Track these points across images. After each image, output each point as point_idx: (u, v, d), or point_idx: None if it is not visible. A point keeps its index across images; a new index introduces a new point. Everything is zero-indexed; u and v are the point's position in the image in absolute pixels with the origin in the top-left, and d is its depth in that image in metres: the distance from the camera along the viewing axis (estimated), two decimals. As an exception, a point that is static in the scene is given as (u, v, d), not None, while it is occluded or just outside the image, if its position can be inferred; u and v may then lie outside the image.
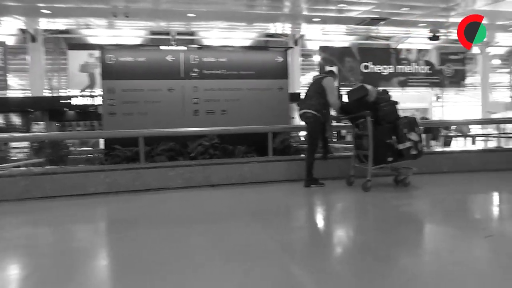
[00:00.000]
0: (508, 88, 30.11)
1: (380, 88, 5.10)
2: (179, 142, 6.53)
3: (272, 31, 21.44)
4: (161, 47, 7.45)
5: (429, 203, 4.49)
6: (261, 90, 7.09)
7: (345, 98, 5.35)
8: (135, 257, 2.78)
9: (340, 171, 5.72)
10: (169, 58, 6.85)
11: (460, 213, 4.01)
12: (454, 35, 15.51)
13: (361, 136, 4.98)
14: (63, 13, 14.12)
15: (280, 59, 7.26)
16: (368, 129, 4.70)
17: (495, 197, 4.89)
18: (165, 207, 4.52)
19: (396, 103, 4.95)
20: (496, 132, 18.95)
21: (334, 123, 5.87)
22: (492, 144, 16.02)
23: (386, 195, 4.73)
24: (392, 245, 2.92)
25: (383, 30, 19.19)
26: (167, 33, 20.26)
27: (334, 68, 22.73)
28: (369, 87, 4.86)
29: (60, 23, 16.85)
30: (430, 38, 12.52)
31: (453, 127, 20.43)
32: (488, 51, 25.20)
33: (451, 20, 10.94)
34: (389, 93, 5.02)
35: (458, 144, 20.37)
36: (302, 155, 6.34)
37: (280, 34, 22.80)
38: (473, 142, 20.53)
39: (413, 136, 4.70)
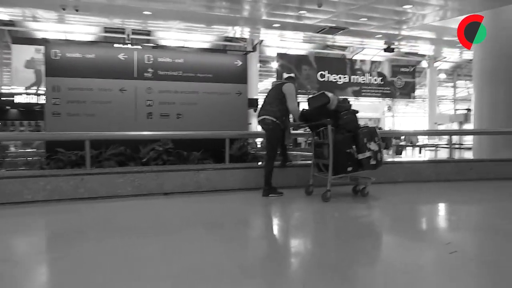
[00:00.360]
0: (452, 101, 31.95)
1: (341, 97, 5.02)
2: (130, 147, 6.12)
3: (231, 34, 21.22)
4: (114, 45, 7.01)
5: (389, 214, 4.45)
6: (219, 94, 6.84)
7: (304, 105, 5.24)
8: (69, 277, 2.44)
9: (298, 180, 5.60)
10: (121, 56, 6.44)
11: (421, 225, 3.99)
12: (406, 48, 16.05)
13: (321, 145, 4.87)
14: (5, 2, 13.08)
15: (239, 62, 7.06)
16: (329, 138, 4.60)
17: (451, 207, 4.96)
18: (112, 218, 4.15)
19: (356, 112, 4.90)
20: (442, 142, 19.86)
21: (293, 131, 5.73)
22: (440, 154, 16.76)
23: (346, 206, 4.64)
24: (355, 260, 2.79)
25: (340, 39, 19.59)
26: (122, 31, 19.47)
27: (292, 75, 22.98)
28: (330, 94, 4.77)
29: (3, 13, 15.64)
30: (385, 50, 12.90)
31: (402, 137, 21.27)
32: (436, 66, 26.54)
33: (403, 33, 11.22)
34: (350, 102, 4.95)
35: (408, 153, 21.21)
36: (260, 162, 6.17)
37: (238, 38, 22.68)
38: (420, 151, 21.47)
39: (373, 146, 4.66)
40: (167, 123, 6.50)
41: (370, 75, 24.52)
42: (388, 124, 27.97)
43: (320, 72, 23.41)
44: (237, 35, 21.71)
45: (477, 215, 4.50)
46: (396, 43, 12.70)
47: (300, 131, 5.87)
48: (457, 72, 29.37)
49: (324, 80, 23.48)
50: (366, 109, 23.71)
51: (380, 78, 24.73)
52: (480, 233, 3.63)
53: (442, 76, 29.05)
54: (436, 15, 9.08)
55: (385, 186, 5.71)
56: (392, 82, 24.90)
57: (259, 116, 5.11)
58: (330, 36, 10.24)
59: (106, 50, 6.58)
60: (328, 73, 23.57)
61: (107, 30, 19.38)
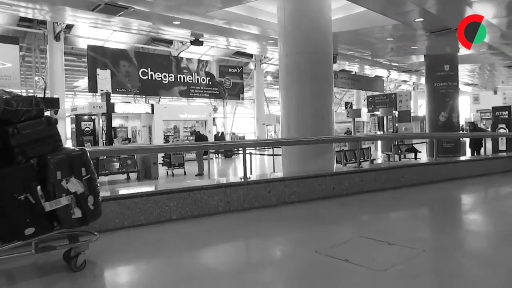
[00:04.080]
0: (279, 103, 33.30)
1: (12, 90, 2.70)
2: None
3: (29, 14, 16.25)
4: None
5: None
6: None
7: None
8: None
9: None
10: None
11: None
12: (221, 43, 14.55)
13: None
14: None
15: None
16: (-26, 175, 2.28)
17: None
18: None
19: (52, 122, 2.70)
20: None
21: None
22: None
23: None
24: None
25: (167, 32, 16.83)
26: None
27: (107, 72, 19.69)
28: (-16, 90, 2.45)
29: None
30: (192, 42, 11.25)
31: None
32: (262, 68, 26.82)
33: (206, 21, 8.81)
34: (40, 103, 2.71)
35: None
36: None
37: (40, 21, 18.24)
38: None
39: (74, 186, 2.52)
40: None
41: (198, 75, 23.12)
42: (219, 126, 27.13)
43: (142, 70, 20.83)
44: (37, 16, 17.15)
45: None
46: (208, 36, 11.04)
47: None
48: (282, 75, 30.46)
49: (147, 79, 20.99)
50: (193, 111, 22.15)
51: (208, 78, 23.55)
52: None
53: (269, 78, 29.77)
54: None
55: (135, 232, 3.74)
56: (221, 82, 24.03)
57: None
58: (115, 17, 7.83)
59: None
60: (151, 71, 21.18)
61: None
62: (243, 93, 25.84)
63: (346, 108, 23.19)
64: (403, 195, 5.58)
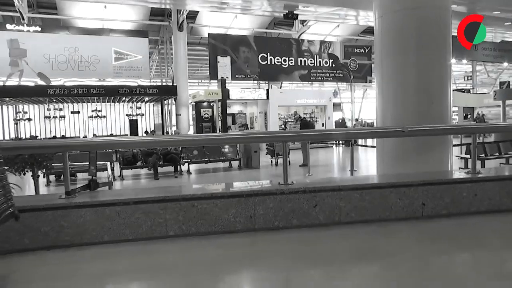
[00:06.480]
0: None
1: None
2: None
3: (151, 4, 17.01)
4: None
5: None
6: None
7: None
8: None
9: None
10: None
11: None
12: (350, 19, 12.82)
13: None
14: None
15: None
16: None
17: None
18: None
19: None
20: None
21: None
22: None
23: None
24: None
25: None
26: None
27: (227, 59, 19.76)
28: None
29: None
30: (285, 16, 9.93)
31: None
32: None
33: None
34: None
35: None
36: None
37: (169, 14, 19.33)
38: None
39: None
40: None
41: (320, 57, 21.58)
42: (347, 112, 25.04)
43: (261, 55, 20.33)
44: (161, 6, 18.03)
45: None
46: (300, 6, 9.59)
47: None
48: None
49: (266, 64, 20.42)
50: (310, 95, 20.66)
51: (331, 60, 21.80)
52: None
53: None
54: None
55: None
56: (346, 64, 22.00)
57: None
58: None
59: None
60: (271, 56, 20.50)
61: None
62: (371, 75, 23.24)
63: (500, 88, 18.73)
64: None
